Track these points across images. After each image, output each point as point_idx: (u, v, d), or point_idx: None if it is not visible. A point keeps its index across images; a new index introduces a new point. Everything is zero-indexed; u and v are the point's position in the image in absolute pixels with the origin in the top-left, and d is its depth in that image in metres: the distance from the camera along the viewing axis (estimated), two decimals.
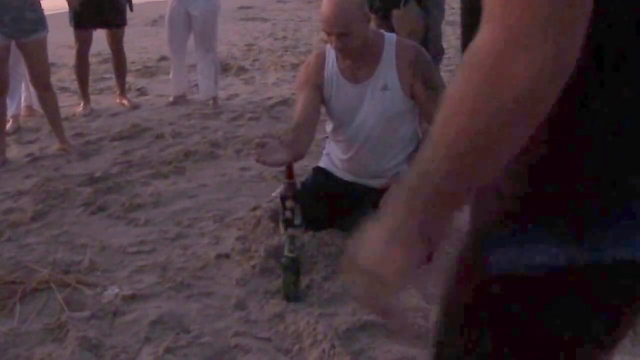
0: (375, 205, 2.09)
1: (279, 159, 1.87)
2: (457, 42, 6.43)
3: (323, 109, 2.15)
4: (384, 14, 3.47)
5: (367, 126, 2.05)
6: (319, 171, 2.27)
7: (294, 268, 1.79)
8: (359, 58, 2.00)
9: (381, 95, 2.01)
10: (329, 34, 1.93)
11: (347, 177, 2.18)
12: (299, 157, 1.93)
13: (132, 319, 1.73)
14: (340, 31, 1.89)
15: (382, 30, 2.13)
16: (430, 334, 1.53)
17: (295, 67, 5.43)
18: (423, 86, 1.98)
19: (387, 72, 2.00)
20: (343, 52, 1.96)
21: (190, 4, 3.97)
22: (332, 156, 2.23)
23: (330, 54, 2.06)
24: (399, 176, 2.04)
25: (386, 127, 2.05)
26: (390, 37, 2.05)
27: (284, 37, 7.00)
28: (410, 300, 1.77)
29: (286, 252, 1.80)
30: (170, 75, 4.33)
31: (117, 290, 1.87)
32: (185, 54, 4.24)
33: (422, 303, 1.76)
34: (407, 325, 1.10)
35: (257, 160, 1.88)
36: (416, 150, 2.17)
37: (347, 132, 2.09)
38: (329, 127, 2.18)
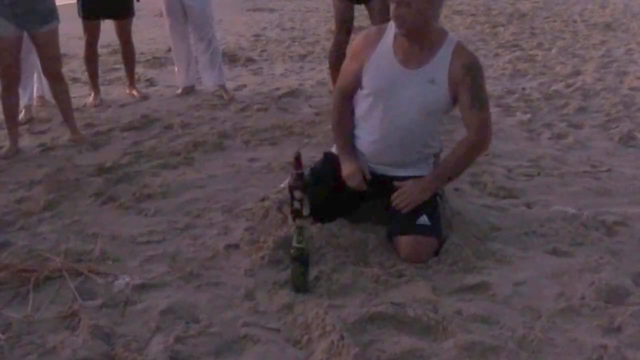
0: (380, 195, 2.11)
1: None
2: (466, 32, 6.39)
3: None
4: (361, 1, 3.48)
5: (402, 112, 2.05)
6: (329, 157, 2.26)
7: (302, 259, 1.80)
8: (414, 41, 2.00)
9: (426, 88, 2.01)
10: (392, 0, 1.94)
11: (365, 162, 2.16)
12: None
13: (142, 308, 1.76)
14: None
15: (446, 30, 2.13)
16: (439, 326, 1.56)
17: (303, 57, 5.42)
18: (469, 94, 2.00)
19: (439, 67, 2.00)
20: (398, 21, 1.95)
21: None
22: (356, 137, 2.19)
23: (391, 30, 2.06)
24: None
25: (420, 120, 2.05)
26: (452, 39, 2.06)
27: (292, 28, 6.98)
28: (419, 292, 1.79)
29: (295, 243, 1.81)
30: (176, 67, 4.34)
31: (127, 279, 1.90)
32: (189, 44, 4.24)
33: (431, 295, 1.78)
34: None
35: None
36: (437, 155, 2.20)
37: (382, 112, 2.07)
38: (359, 107, 2.15)
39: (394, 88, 2.04)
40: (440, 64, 2.01)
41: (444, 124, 2.22)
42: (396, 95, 2.05)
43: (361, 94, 2.13)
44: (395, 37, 2.04)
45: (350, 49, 2.18)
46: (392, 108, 2.06)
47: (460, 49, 2.03)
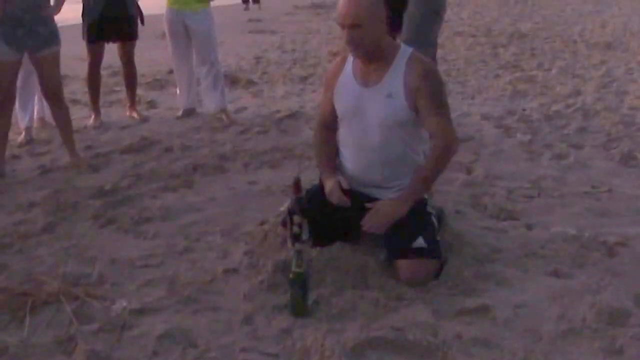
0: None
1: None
2: (467, 53, 6.46)
3: None
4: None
5: (370, 131, 2.09)
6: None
7: (301, 283, 1.80)
8: (370, 61, 2.04)
9: (385, 103, 2.04)
10: (342, 26, 1.98)
11: (353, 186, 2.18)
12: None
13: (139, 333, 1.75)
14: (352, 22, 1.94)
15: (400, 42, 2.16)
16: (439, 350, 1.55)
17: (303, 79, 5.47)
18: (427, 101, 2.01)
19: (394, 80, 2.03)
20: (352, 46, 1.99)
21: (188, 17, 4.03)
22: (340, 166, 2.25)
23: (350, 56, 2.13)
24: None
25: (388, 135, 2.07)
26: (406, 50, 2.09)
27: (293, 50, 7.07)
28: (419, 315, 1.78)
29: (294, 267, 1.80)
30: (177, 89, 4.38)
31: (125, 303, 1.89)
32: (192, 66, 4.30)
33: (431, 319, 1.77)
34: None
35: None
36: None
37: (353, 135, 2.13)
38: (339, 133, 2.23)
39: (358, 110, 2.09)
40: (395, 77, 2.03)
41: (423, 139, 2.18)
42: (361, 116, 2.09)
43: (339, 121, 2.21)
44: (353, 60, 2.11)
45: (325, 78, 2.27)
46: (360, 129, 2.10)
47: (414, 59, 2.05)
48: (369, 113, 2.07)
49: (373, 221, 2.04)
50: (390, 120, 2.05)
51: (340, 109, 2.15)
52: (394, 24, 3.12)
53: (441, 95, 2.07)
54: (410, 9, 3.13)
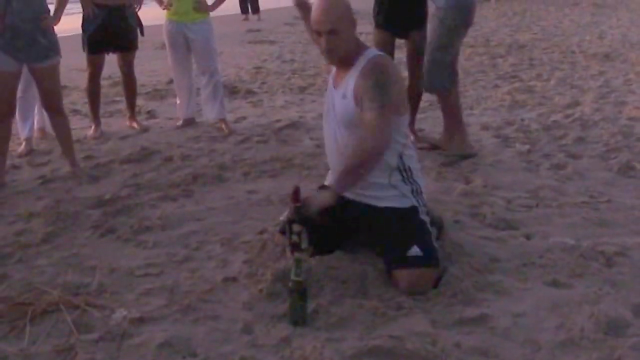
0: (367, 224, 2.13)
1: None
2: (465, 63, 6.49)
3: None
4: (402, 35, 3.57)
5: (337, 132, 2.15)
6: (321, 189, 2.28)
7: (300, 292, 1.81)
8: (341, 65, 2.14)
9: (341, 103, 2.11)
10: (319, 33, 2.05)
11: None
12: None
13: (139, 342, 1.75)
14: (329, 28, 2.01)
15: (367, 46, 2.18)
16: (438, 359, 1.55)
17: (303, 90, 5.50)
18: (365, 96, 2.01)
19: (349, 82, 2.10)
20: (331, 53, 2.07)
21: (188, 28, 4.07)
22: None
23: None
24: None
25: (346, 133, 2.11)
26: (370, 52, 2.13)
27: (292, 60, 7.10)
28: (417, 325, 1.79)
29: (293, 276, 1.82)
30: (177, 99, 4.41)
31: (125, 312, 1.90)
32: (191, 76, 4.33)
33: (430, 328, 1.78)
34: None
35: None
36: (402, 171, 2.13)
37: (327, 136, 2.24)
38: None
39: (329, 110, 2.21)
40: (351, 79, 2.09)
41: (399, 140, 2.13)
42: (331, 117, 2.19)
43: None
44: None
45: None
46: (330, 130, 2.20)
47: (369, 61, 2.07)
48: (334, 113, 2.16)
49: (305, 202, 1.99)
50: (346, 119, 2.11)
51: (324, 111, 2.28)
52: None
53: (380, 92, 1.99)
54: (440, 17, 3.19)
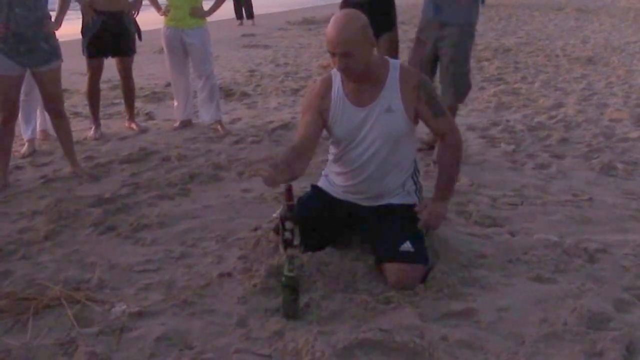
0: (364, 218, 2.18)
1: (279, 179, 1.85)
2: None
3: (324, 133, 2.24)
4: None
5: (372, 147, 2.11)
6: (315, 189, 2.35)
7: (293, 287, 1.85)
8: (363, 81, 2.07)
9: (385, 117, 2.07)
10: (332, 54, 1.99)
11: (345, 197, 2.25)
12: (295, 177, 1.93)
13: (138, 335, 1.79)
14: (343, 51, 1.95)
15: (386, 57, 2.21)
16: (426, 352, 1.59)
17: (295, 92, 5.55)
18: (429, 107, 2.09)
19: (391, 95, 2.08)
20: (345, 72, 2.03)
21: (185, 34, 4.12)
22: (330, 178, 2.31)
23: (337, 78, 2.14)
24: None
25: (391, 148, 2.13)
26: (395, 63, 2.14)
27: (285, 64, 7.13)
28: (406, 318, 1.83)
29: (286, 272, 1.85)
30: (175, 102, 4.46)
31: (124, 307, 1.94)
32: (189, 79, 4.37)
33: (418, 321, 1.82)
34: None
35: (262, 175, 1.83)
36: (415, 173, 2.26)
37: (354, 155, 2.15)
38: (332, 152, 2.26)
39: (358, 130, 2.11)
40: (392, 91, 2.07)
41: (416, 143, 2.28)
42: (362, 135, 2.11)
43: (331, 141, 2.24)
44: (342, 82, 2.12)
45: (303, 104, 2.22)
46: (362, 148, 2.13)
47: (405, 73, 2.10)
48: (370, 131, 2.09)
49: (432, 222, 2.15)
50: (394, 134, 2.09)
51: (339, 133, 2.14)
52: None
53: (438, 100, 2.15)
54: (465, 32, 3.24)
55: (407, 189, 2.24)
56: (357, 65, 1.99)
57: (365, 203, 2.22)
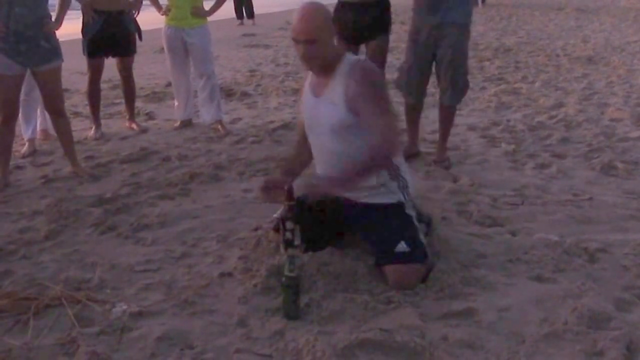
0: (357, 221, 2.17)
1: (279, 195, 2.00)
2: None
3: None
4: (356, 43, 3.61)
5: (324, 138, 2.16)
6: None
7: (293, 287, 1.85)
8: (321, 72, 2.13)
9: (330, 110, 2.10)
10: (296, 42, 2.05)
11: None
12: (298, 174, 2.00)
13: (138, 335, 1.80)
14: (307, 38, 2.02)
15: (347, 50, 2.24)
16: (426, 352, 1.60)
17: (296, 91, 5.55)
18: (366, 103, 2.05)
19: (336, 89, 2.09)
20: (307, 60, 2.08)
21: (186, 33, 4.12)
22: (314, 172, 2.31)
23: (309, 72, 2.21)
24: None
25: (338, 140, 2.12)
26: (350, 57, 2.15)
27: (286, 63, 7.14)
28: (406, 318, 1.83)
29: (286, 272, 1.85)
30: (175, 101, 4.47)
31: (124, 307, 1.94)
32: (189, 79, 4.38)
33: (418, 321, 1.82)
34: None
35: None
36: (390, 174, 2.17)
37: (315, 144, 2.23)
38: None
39: (314, 119, 2.20)
40: (337, 85, 2.09)
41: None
42: (316, 124, 2.19)
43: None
44: (311, 74, 2.21)
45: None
46: (318, 137, 2.20)
47: (354, 66, 2.09)
48: (322, 121, 2.15)
49: (306, 190, 2.08)
50: (337, 126, 2.10)
51: (305, 121, 2.26)
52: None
53: (381, 98, 2.08)
54: (463, 32, 3.23)
55: (388, 187, 2.17)
56: (319, 54, 2.05)
57: (350, 197, 2.17)
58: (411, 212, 2.18)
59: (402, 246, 2.05)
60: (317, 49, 2.04)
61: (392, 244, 2.06)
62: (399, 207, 2.17)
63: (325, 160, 2.21)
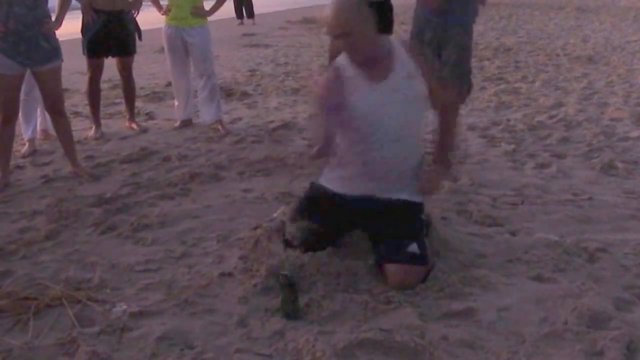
0: (372, 215, 2.14)
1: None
2: None
3: None
4: None
5: (392, 120, 2.06)
6: (315, 187, 2.31)
7: (292, 287, 1.86)
8: (371, 59, 2.04)
9: (406, 84, 2.06)
10: (334, 37, 2.02)
11: (354, 191, 2.17)
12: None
13: (139, 335, 1.80)
14: (341, 32, 1.97)
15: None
16: (426, 351, 1.60)
17: (296, 91, 5.56)
18: (432, 76, 2.14)
19: (406, 63, 2.08)
20: (350, 53, 2.03)
21: (186, 33, 4.13)
22: (338, 174, 2.21)
23: (343, 62, 2.10)
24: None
25: (409, 115, 2.09)
26: (395, 41, 2.13)
27: (286, 63, 7.14)
28: (406, 318, 1.84)
29: (282, 270, 1.87)
30: (175, 101, 4.47)
31: (125, 307, 1.94)
32: (189, 79, 4.38)
33: (418, 321, 1.82)
34: None
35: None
36: (422, 164, 2.23)
37: (374, 133, 2.07)
38: (345, 141, 2.16)
39: (377, 107, 2.06)
40: (405, 60, 2.10)
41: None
42: (380, 114, 2.06)
43: (348, 129, 2.14)
44: (351, 65, 2.08)
45: (317, 100, 2.19)
46: (384, 123, 2.07)
47: (405, 45, 2.16)
48: (389, 104, 2.05)
49: (431, 187, 2.19)
50: (414, 98, 2.07)
51: (360, 114, 2.07)
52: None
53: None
54: (468, 32, 3.24)
55: (414, 183, 2.18)
56: (359, 45, 1.99)
57: (377, 194, 2.14)
58: (424, 217, 2.19)
59: (414, 247, 2.05)
60: (356, 41, 1.98)
61: (405, 243, 2.05)
62: (420, 209, 2.17)
63: (391, 149, 2.08)
